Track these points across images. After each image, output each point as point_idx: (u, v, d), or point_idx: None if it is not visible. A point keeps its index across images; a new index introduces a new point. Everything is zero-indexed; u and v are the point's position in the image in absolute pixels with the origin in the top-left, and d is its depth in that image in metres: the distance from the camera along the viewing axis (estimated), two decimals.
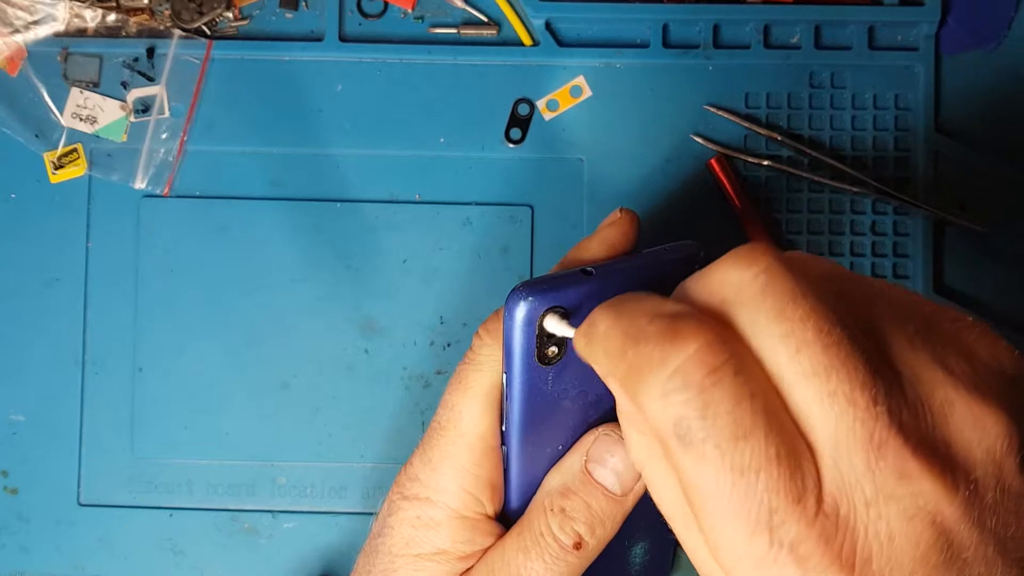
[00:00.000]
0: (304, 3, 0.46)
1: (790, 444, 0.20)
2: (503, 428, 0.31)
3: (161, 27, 0.45)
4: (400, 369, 0.44)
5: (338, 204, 0.45)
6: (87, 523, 0.44)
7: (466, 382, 0.31)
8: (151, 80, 0.45)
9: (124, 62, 0.45)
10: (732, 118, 0.45)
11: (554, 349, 0.29)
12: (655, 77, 0.45)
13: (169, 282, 0.45)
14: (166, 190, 0.45)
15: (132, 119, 0.45)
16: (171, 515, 0.44)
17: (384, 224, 0.45)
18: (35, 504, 0.44)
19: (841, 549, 0.19)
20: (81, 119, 0.45)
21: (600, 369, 0.23)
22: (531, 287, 0.28)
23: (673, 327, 0.21)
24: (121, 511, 0.44)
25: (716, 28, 0.45)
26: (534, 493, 0.32)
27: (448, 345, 0.44)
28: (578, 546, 0.30)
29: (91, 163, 0.45)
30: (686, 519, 0.23)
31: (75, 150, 0.45)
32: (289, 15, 0.46)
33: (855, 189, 0.44)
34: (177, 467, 0.44)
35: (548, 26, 0.45)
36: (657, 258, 0.31)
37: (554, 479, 0.31)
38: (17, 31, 0.45)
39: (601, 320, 0.23)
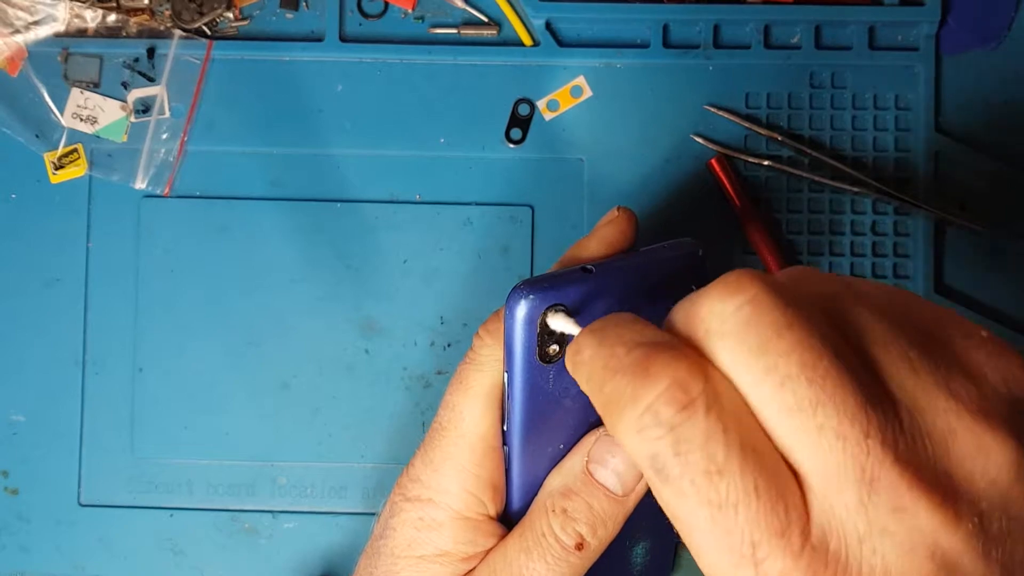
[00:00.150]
0: (304, 3, 0.46)
1: (770, 477, 0.19)
2: (504, 428, 0.31)
3: (161, 27, 0.45)
4: (400, 369, 0.44)
5: (338, 204, 0.45)
6: (87, 523, 0.44)
7: (467, 382, 0.31)
8: (151, 80, 0.45)
9: (124, 62, 0.45)
10: (732, 118, 0.45)
11: (555, 347, 0.29)
12: (655, 77, 0.45)
13: (169, 282, 0.45)
14: (166, 190, 0.45)
15: (132, 119, 0.45)
16: (171, 515, 0.44)
17: (384, 224, 0.45)
18: (35, 504, 0.44)
19: None
20: (81, 119, 0.45)
21: (585, 393, 0.23)
22: (532, 285, 0.28)
23: (647, 360, 0.20)
24: (121, 511, 0.44)
25: (716, 28, 0.45)
26: (536, 493, 0.32)
27: (448, 345, 0.44)
28: (580, 547, 0.30)
29: (91, 163, 0.45)
30: None
31: (75, 150, 0.45)
32: (289, 15, 0.46)
33: (855, 189, 0.44)
34: (177, 467, 0.44)
35: (548, 26, 0.45)
36: (656, 256, 0.31)
37: (556, 480, 0.31)
38: (17, 31, 0.45)
39: (585, 346, 0.22)
